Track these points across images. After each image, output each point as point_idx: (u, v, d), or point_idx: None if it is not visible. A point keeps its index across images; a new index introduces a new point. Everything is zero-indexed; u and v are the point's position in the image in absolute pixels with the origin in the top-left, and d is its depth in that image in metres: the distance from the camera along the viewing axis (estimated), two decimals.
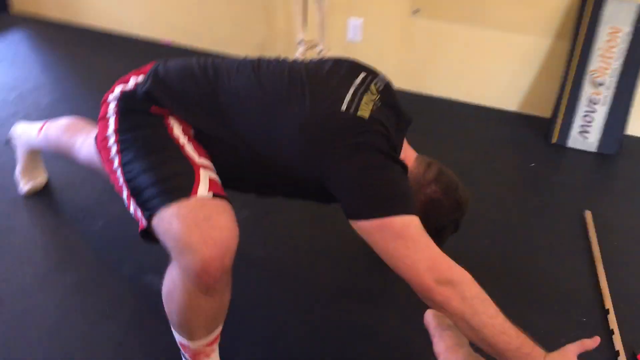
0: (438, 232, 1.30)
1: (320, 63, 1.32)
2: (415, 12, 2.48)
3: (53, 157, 1.86)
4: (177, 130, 1.22)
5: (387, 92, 1.31)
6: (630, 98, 2.33)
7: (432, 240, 1.11)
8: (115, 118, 1.24)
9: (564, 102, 2.40)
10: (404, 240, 1.09)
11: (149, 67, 1.32)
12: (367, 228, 1.12)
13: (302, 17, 2.52)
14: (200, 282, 1.08)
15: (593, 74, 2.33)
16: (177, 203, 1.08)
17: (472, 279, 1.08)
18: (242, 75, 1.27)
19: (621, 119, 2.36)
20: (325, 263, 1.75)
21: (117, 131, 1.22)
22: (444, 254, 1.11)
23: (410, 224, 1.10)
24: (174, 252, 1.09)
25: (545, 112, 2.57)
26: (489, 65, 2.60)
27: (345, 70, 1.30)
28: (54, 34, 3.34)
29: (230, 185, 1.38)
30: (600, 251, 1.81)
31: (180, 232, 1.06)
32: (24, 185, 1.98)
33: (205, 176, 1.15)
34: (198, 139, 1.25)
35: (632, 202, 2.10)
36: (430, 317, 1.20)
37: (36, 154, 1.98)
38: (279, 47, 2.96)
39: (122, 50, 3.17)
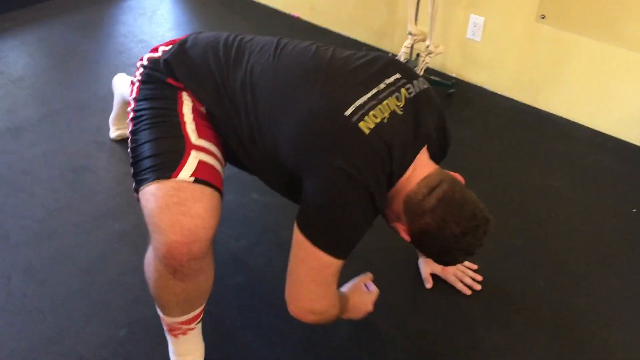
0: (439, 254, 1.18)
1: (354, 56, 1.21)
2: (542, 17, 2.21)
3: None
4: (187, 106, 1.22)
5: (419, 100, 1.17)
6: None
7: (336, 286, 1.20)
8: (138, 85, 1.28)
9: None
10: (317, 274, 1.14)
11: (184, 37, 1.33)
12: (301, 241, 1.12)
13: (414, 9, 2.39)
14: (168, 264, 1.08)
15: None
16: (157, 183, 1.09)
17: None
18: (261, 57, 1.22)
19: None
20: None
21: (135, 99, 1.26)
22: (337, 297, 1.23)
23: (332, 266, 1.14)
24: (149, 228, 1.11)
25: None
26: (615, 88, 2.26)
27: (378, 67, 1.18)
28: None
29: (242, 168, 1.37)
30: None
31: (153, 211, 1.07)
32: (113, 132, 2.14)
33: (195, 158, 1.13)
34: (210, 119, 1.24)
35: None
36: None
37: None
38: (397, 36, 2.84)
39: (253, 16, 3.26)
